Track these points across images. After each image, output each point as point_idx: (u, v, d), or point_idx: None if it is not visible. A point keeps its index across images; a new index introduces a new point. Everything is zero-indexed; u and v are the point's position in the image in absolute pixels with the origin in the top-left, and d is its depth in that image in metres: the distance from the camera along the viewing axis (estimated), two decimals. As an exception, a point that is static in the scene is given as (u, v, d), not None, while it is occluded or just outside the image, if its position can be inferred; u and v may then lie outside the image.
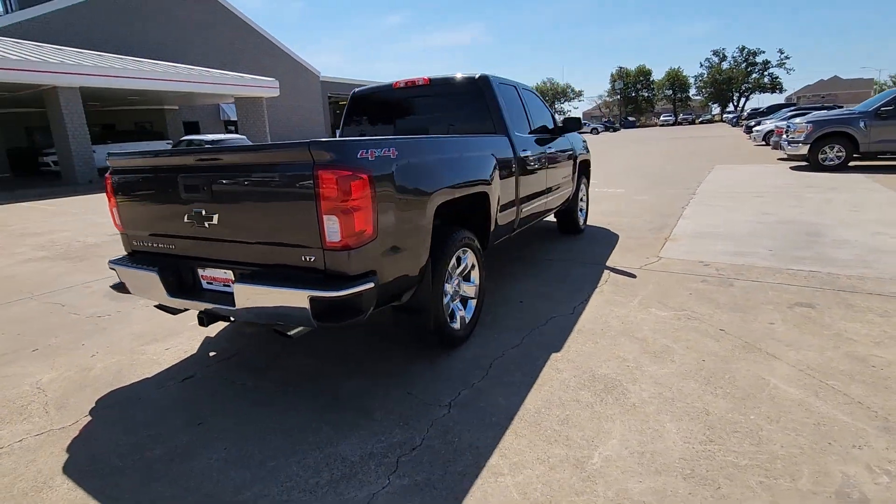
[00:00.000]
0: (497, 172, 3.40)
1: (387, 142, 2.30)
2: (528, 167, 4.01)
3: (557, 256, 5.01)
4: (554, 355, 2.86)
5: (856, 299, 3.44)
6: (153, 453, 2.15)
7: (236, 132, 22.79)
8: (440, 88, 3.99)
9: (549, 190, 4.57)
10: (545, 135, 4.63)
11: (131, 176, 2.64)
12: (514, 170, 3.74)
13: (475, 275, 3.19)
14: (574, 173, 5.43)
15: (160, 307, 2.82)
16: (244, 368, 2.91)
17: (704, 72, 73.07)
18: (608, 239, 5.64)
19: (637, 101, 79.09)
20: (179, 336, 3.39)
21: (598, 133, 49.81)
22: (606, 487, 1.82)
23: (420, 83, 4.03)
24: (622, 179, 11.18)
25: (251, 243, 2.31)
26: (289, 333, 2.34)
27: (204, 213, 2.36)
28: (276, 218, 2.21)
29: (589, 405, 2.35)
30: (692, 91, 77.28)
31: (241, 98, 20.30)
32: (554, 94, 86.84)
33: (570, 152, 5.27)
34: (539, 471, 1.92)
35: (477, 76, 3.84)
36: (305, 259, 2.18)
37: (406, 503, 1.78)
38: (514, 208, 3.81)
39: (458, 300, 3.05)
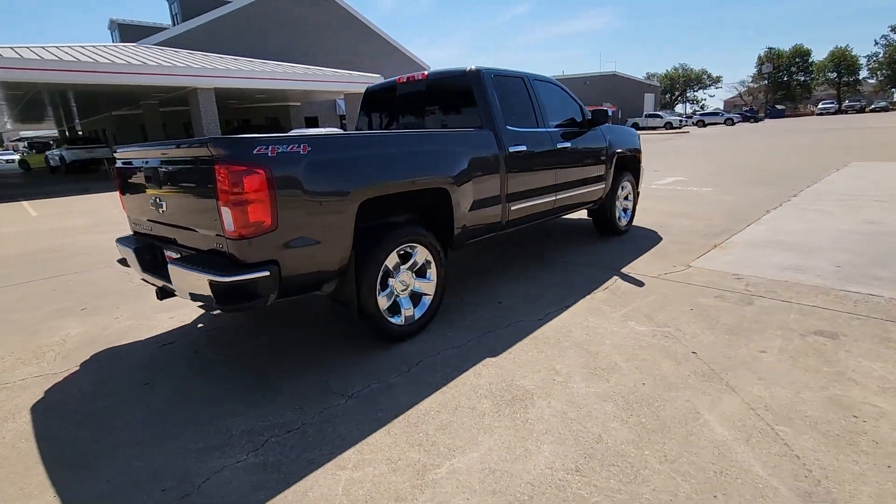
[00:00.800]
0: (469, 169, 3.32)
1: (297, 138, 2.40)
2: (524, 163, 3.83)
3: (575, 258, 4.70)
4: (487, 360, 2.75)
5: (901, 334, 2.75)
6: (99, 404, 2.54)
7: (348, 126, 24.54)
8: (436, 83, 3.98)
9: (562, 186, 4.31)
10: (561, 129, 4.36)
11: (123, 167, 3.10)
12: (499, 166, 3.60)
13: (432, 272, 3.17)
14: (609, 170, 5.02)
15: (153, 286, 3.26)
16: (215, 341, 3.25)
17: (880, 50, 61.10)
18: (647, 242, 5.13)
19: (790, 86, 68.73)
20: (186, 308, 3.87)
21: (732, 124, 44.48)
22: (429, 499, 1.75)
23: (419, 78, 4.05)
24: (718, 177, 9.96)
25: (187, 229, 2.59)
26: (213, 312, 2.57)
27: (157, 200, 2.70)
28: (195, 207, 2.45)
29: (481, 415, 2.25)
30: (864, 73, 65.12)
31: (350, 94, 21.82)
32: (686, 82, 79.21)
33: (602, 148, 4.89)
34: (380, 471, 1.91)
35: (468, 70, 3.76)
36: (220, 246, 2.39)
37: (242, 478, 1.90)
38: (500, 206, 3.68)
39: (406, 295, 3.07)
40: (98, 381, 2.79)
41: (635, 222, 5.95)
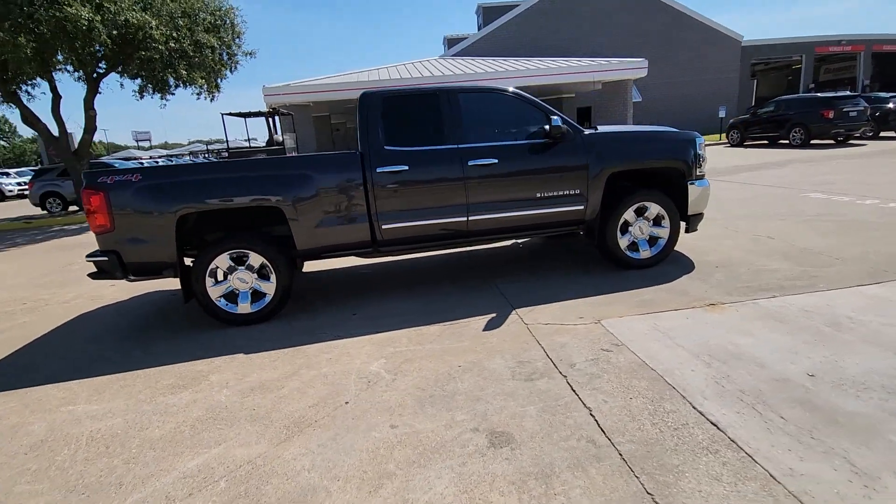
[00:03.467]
0: (313, 189, 3.71)
1: (133, 170, 3.52)
2: (403, 183, 3.82)
3: (508, 287, 4.17)
4: (278, 351, 3.29)
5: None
6: (50, 355, 4.36)
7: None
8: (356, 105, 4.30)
9: (485, 206, 3.96)
10: (487, 144, 3.96)
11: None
12: (362, 186, 3.78)
13: (272, 275, 3.80)
14: (595, 189, 4.11)
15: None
16: (175, 311, 4.73)
17: None
18: (651, 279, 3.97)
19: None
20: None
21: None
22: (35, 418, 2.68)
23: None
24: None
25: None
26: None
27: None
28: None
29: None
30: None
31: (608, 83, 20.81)
32: None
33: (576, 164, 4.05)
34: (61, 396, 2.93)
35: (362, 93, 3.98)
36: (101, 240, 3.79)
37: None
38: (367, 224, 3.85)
39: (248, 291, 3.81)
40: (66, 333, 4.69)
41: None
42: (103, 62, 12.25)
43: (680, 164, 4.29)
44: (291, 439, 2.28)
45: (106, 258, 3.59)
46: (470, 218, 4.01)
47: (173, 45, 11.40)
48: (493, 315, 3.59)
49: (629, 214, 4.28)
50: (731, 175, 10.17)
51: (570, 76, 19.94)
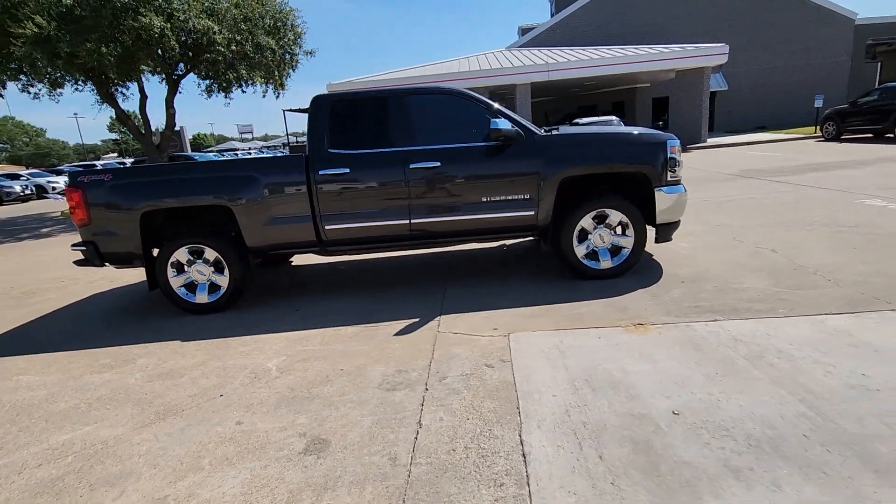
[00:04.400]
0: (261, 191, 3.92)
1: (105, 171, 3.95)
2: (345, 185, 3.92)
3: (459, 292, 4.11)
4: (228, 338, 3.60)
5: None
6: (42, 329, 4.96)
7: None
8: None
9: (427, 209, 3.95)
10: (433, 147, 3.92)
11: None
12: (306, 188, 3.93)
13: (226, 269, 4.09)
14: (547, 193, 3.92)
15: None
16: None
17: None
18: (601, 291, 3.74)
19: None
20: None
21: None
22: None
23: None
24: None
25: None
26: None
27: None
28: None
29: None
30: None
31: (683, 71, 19.23)
32: None
33: (523, 169, 3.90)
34: (22, 367, 3.40)
35: (313, 97, 4.09)
36: (87, 232, 4.28)
37: (18, 347, 3.80)
38: (311, 225, 3.99)
39: (205, 282, 4.14)
40: (77, 312, 5.28)
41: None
42: (181, 65, 13.60)
43: (646, 168, 3.96)
44: (151, 425, 2.49)
45: (85, 248, 4.08)
46: (412, 221, 4.01)
47: (235, 47, 12.35)
48: (416, 320, 3.58)
49: (587, 222, 4.02)
50: (793, 175, 9.05)
51: (641, 65, 18.80)
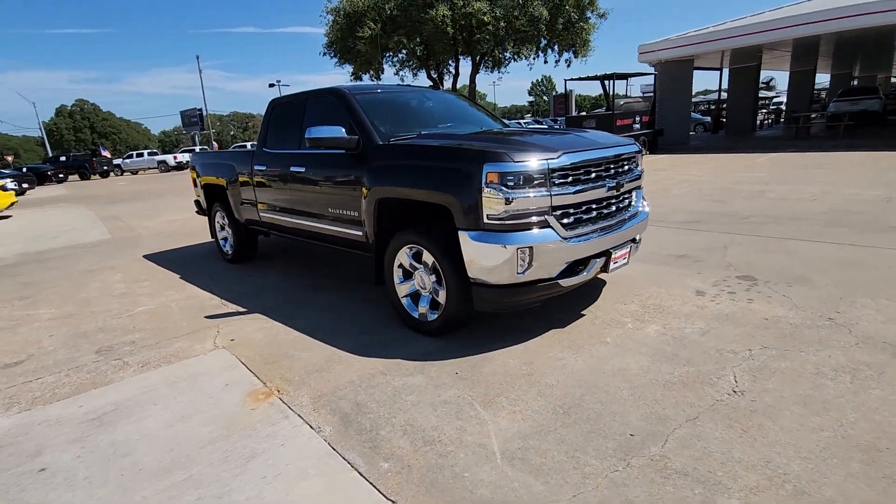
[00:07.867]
0: (234, 177, 4.95)
1: (199, 151, 5.82)
2: (263, 181, 4.46)
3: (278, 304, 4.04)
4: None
5: None
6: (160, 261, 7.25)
7: None
8: None
9: (304, 213, 4.09)
10: (310, 151, 3.88)
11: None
12: (248, 179, 4.70)
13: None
14: (369, 214, 3.35)
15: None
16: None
17: None
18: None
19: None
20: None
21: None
22: (108, 274, 5.63)
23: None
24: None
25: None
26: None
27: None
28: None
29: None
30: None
31: None
32: None
33: (350, 181, 3.43)
34: (133, 268, 5.81)
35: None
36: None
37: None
38: (254, 208, 4.76)
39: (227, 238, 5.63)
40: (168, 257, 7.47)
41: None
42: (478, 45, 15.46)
43: (447, 198, 2.76)
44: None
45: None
46: (294, 220, 4.21)
47: (504, 24, 13.12)
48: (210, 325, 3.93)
49: (403, 257, 3.18)
50: None
51: None
